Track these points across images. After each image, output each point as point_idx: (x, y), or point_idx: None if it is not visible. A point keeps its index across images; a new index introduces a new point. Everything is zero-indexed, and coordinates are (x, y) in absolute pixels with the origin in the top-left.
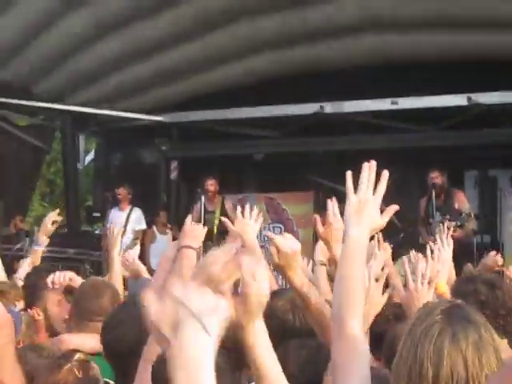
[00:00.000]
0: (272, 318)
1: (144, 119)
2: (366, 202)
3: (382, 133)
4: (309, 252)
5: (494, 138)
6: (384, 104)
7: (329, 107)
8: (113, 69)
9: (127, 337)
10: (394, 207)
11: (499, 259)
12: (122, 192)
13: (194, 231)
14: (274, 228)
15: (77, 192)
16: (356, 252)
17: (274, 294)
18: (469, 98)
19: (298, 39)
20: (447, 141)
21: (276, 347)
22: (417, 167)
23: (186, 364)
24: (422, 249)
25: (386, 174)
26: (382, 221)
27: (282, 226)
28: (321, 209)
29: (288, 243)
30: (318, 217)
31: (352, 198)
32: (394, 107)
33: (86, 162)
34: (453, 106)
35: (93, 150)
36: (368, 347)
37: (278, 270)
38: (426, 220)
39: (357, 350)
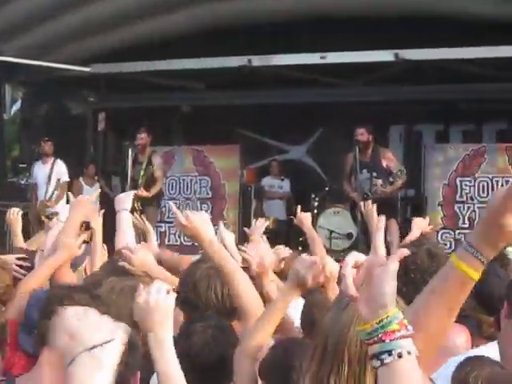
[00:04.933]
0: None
1: (72, 70)
2: None
3: (310, 87)
4: (234, 204)
5: (419, 94)
6: (312, 58)
7: (257, 60)
8: (41, 19)
9: None
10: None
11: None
12: (45, 145)
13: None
14: (200, 180)
15: (2, 143)
16: None
17: (201, 260)
18: (395, 54)
19: None
20: (374, 96)
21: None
22: (343, 122)
23: None
24: (345, 203)
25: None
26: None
27: (208, 179)
28: (247, 162)
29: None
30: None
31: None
32: (322, 61)
33: (12, 113)
34: (380, 62)
35: (19, 100)
36: None
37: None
38: (350, 174)
39: None
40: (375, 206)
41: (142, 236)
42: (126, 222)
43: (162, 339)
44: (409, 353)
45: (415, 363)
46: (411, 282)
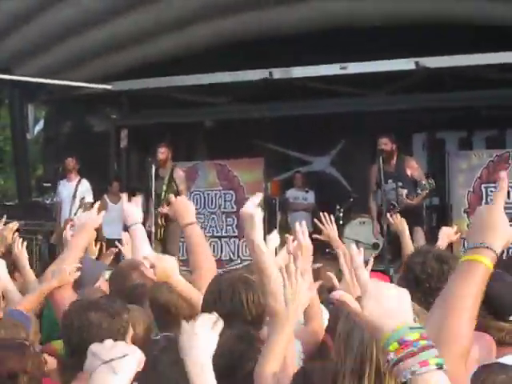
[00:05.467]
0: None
1: (93, 87)
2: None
3: (331, 98)
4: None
5: (441, 102)
6: (333, 69)
7: (278, 73)
8: (61, 38)
9: None
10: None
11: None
12: (69, 163)
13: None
14: (225, 195)
15: (27, 162)
16: None
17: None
18: (416, 63)
19: (247, 5)
20: (395, 105)
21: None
22: (366, 132)
23: None
24: (370, 213)
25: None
26: None
27: (233, 193)
28: (270, 175)
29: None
30: (290, 237)
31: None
32: (343, 72)
33: (36, 132)
34: (401, 70)
35: (42, 120)
36: None
37: None
38: (375, 186)
39: None
40: (403, 219)
41: None
42: (141, 237)
43: (203, 364)
44: (440, 364)
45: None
46: (426, 293)
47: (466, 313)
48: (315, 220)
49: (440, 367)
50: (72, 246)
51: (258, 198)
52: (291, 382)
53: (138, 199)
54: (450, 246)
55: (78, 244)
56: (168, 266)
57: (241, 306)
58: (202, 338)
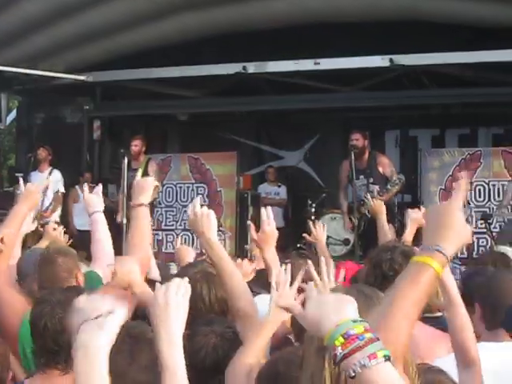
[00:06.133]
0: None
1: (67, 78)
2: None
3: (305, 93)
4: (231, 211)
5: (415, 99)
6: (307, 64)
7: (252, 67)
8: (35, 28)
9: None
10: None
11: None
12: (41, 153)
13: (144, 188)
14: (197, 188)
15: None
16: None
17: (190, 265)
18: (391, 59)
19: None
20: (369, 101)
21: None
22: (339, 128)
23: (85, 353)
24: (341, 209)
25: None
26: None
27: (205, 186)
28: (243, 169)
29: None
30: (252, 224)
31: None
32: (317, 67)
33: (8, 122)
34: (375, 67)
35: (15, 110)
36: None
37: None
38: (346, 182)
39: None
40: (382, 202)
41: None
42: (101, 227)
43: (173, 334)
44: (387, 356)
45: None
46: None
47: (404, 314)
48: (309, 223)
49: (388, 359)
50: (13, 214)
51: (198, 201)
52: (257, 375)
53: (99, 188)
54: (419, 236)
55: (19, 211)
56: (129, 270)
57: (202, 303)
58: (174, 307)
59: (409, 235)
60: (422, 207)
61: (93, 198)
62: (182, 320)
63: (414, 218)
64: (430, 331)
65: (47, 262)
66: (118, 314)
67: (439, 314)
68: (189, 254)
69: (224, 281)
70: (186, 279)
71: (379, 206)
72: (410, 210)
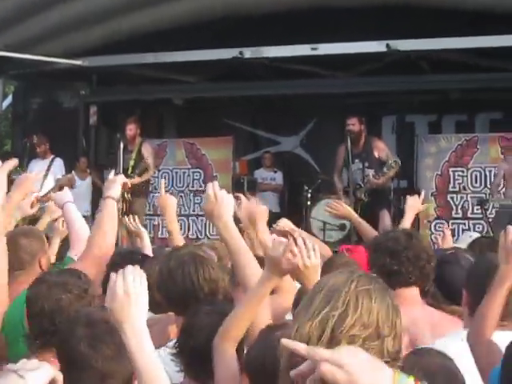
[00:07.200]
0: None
1: (63, 63)
2: None
3: (301, 78)
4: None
5: (411, 85)
6: (304, 50)
7: (248, 52)
8: (31, 12)
9: None
10: None
11: (417, 202)
12: (36, 140)
13: (114, 183)
14: (193, 173)
15: None
16: None
17: (177, 247)
18: (387, 45)
19: None
20: (366, 86)
21: None
22: (336, 113)
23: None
24: (338, 194)
25: None
26: None
27: (201, 171)
28: (239, 154)
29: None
30: (242, 197)
31: None
32: (314, 53)
33: (4, 107)
34: (372, 53)
35: (11, 95)
36: None
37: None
38: (341, 166)
39: None
40: (343, 203)
41: (135, 238)
42: (74, 215)
43: (140, 329)
44: None
45: None
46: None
47: None
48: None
49: None
50: (10, 198)
51: (217, 184)
52: (246, 353)
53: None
54: (417, 227)
55: (13, 197)
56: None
57: (191, 284)
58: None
59: (407, 222)
60: (422, 194)
61: (59, 195)
62: (144, 308)
63: (412, 204)
64: (437, 313)
65: (8, 242)
66: (44, 372)
67: None
68: (172, 203)
69: (240, 263)
70: (137, 266)
71: (344, 210)
72: (408, 197)
